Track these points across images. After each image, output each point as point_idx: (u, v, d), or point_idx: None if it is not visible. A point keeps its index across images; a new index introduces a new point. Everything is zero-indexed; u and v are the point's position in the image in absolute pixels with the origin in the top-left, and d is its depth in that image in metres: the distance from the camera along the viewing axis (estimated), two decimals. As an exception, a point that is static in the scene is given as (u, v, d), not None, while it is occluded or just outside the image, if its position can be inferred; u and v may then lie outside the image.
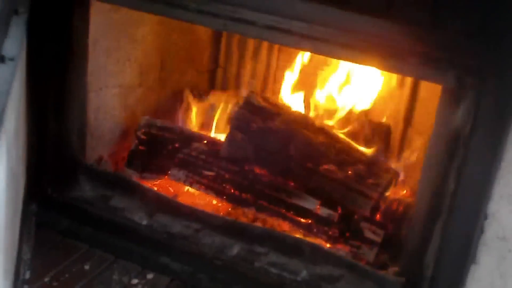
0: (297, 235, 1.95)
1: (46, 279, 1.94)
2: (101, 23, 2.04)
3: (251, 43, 2.45)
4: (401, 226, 1.96)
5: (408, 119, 2.28)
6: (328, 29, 1.60)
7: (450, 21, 1.52)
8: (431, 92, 2.09)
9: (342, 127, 2.21)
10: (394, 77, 2.24)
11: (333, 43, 1.62)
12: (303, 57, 2.28)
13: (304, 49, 1.92)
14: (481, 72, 1.52)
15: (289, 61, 2.34)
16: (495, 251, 1.58)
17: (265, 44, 2.42)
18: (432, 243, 1.70)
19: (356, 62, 1.72)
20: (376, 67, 1.72)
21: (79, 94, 2.06)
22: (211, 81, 2.50)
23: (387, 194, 2.05)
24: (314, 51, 1.75)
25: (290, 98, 2.28)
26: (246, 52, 2.47)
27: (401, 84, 2.26)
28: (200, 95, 2.40)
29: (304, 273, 1.90)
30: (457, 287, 1.65)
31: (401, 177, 2.16)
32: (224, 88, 2.48)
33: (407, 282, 1.79)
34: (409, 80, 2.24)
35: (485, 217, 1.57)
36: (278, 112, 2.13)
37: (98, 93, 2.13)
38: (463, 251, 1.63)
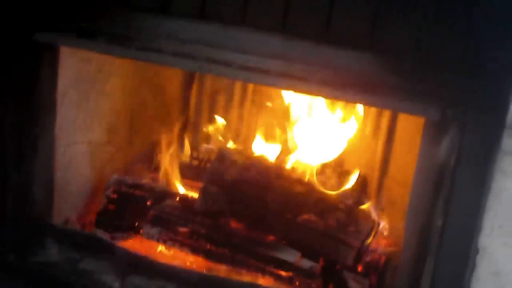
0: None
1: None
2: (71, 74, 1.99)
3: (221, 99, 2.42)
4: (385, 274, 1.88)
5: (384, 170, 2.25)
6: (307, 67, 1.58)
7: (433, 56, 1.52)
8: (406, 144, 2.09)
9: (317, 178, 2.15)
10: (368, 126, 2.23)
11: (311, 81, 1.60)
12: (274, 108, 2.25)
13: (282, 88, 1.90)
14: (464, 104, 1.51)
15: (260, 113, 2.32)
16: (488, 287, 1.52)
17: (236, 98, 2.40)
18: (422, 284, 1.63)
19: (337, 99, 1.69)
20: (358, 103, 1.69)
21: (45, 149, 1.98)
22: (181, 138, 2.43)
23: (369, 242, 1.98)
24: (292, 89, 1.72)
25: (263, 150, 2.23)
26: (217, 108, 2.44)
27: (375, 134, 2.24)
28: (170, 153, 2.33)
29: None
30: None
31: (381, 226, 2.11)
32: (194, 144, 2.42)
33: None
34: (383, 131, 2.22)
35: (477, 252, 1.51)
36: (252, 164, 2.07)
37: (65, 149, 2.05)
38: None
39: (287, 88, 1.77)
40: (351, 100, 1.62)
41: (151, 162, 2.37)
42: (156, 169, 2.32)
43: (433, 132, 1.56)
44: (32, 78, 1.90)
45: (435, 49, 1.50)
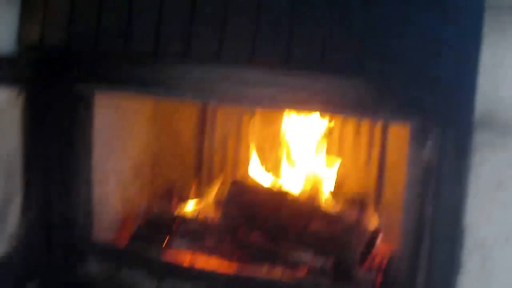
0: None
1: None
2: (103, 120, 2.31)
3: (232, 139, 2.76)
4: (389, 271, 2.18)
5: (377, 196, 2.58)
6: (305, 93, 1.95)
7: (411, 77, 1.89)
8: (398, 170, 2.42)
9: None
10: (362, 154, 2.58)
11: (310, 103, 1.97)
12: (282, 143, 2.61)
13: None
14: (441, 114, 1.87)
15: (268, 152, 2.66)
16: (476, 258, 1.82)
17: (244, 143, 2.75)
18: (420, 269, 1.93)
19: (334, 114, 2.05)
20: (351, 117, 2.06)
21: (85, 179, 2.27)
22: (198, 178, 2.76)
23: (373, 245, 2.29)
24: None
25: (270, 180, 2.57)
26: (228, 148, 2.78)
27: (368, 161, 2.59)
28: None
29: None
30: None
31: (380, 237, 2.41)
32: (210, 181, 2.75)
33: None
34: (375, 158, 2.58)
35: (463, 230, 1.83)
36: (263, 188, 2.42)
37: (100, 182, 2.34)
38: (448, 266, 1.85)
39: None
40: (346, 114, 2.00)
41: (172, 199, 2.68)
42: (177, 204, 2.63)
43: (418, 138, 1.91)
44: (72, 122, 2.22)
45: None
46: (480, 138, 1.80)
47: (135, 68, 2.12)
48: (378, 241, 2.36)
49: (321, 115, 2.38)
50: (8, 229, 2.10)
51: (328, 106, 1.97)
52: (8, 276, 2.10)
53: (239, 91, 2.02)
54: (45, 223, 2.24)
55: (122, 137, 2.47)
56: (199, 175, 2.75)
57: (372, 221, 2.43)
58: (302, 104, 2.01)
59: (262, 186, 2.46)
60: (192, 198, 2.60)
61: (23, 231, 2.15)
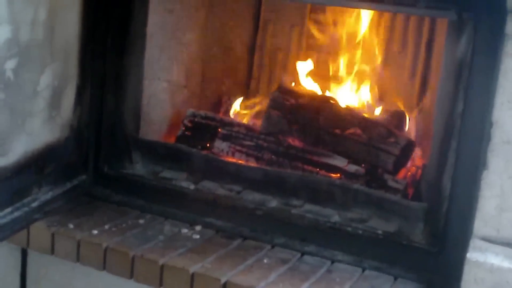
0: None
1: (106, 227, 2.18)
2: (157, 20, 2.42)
3: (280, 55, 2.82)
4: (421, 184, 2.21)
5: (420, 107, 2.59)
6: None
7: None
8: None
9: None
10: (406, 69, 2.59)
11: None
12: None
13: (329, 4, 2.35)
14: (476, 7, 1.87)
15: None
16: (502, 155, 1.81)
17: (293, 55, 2.80)
18: (448, 164, 1.96)
19: (375, 9, 2.08)
20: (392, 11, 2.08)
21: (135, 79, 2.39)
22: (246, 91, 2.85)
23: (409, 155, 2.31)
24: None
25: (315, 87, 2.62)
26: (277, 63, 2.84)
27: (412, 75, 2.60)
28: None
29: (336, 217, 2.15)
30: (473, 196, 1.88)
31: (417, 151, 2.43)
32: (257, 96, 2.82)
33: (428, 207, 2.02)
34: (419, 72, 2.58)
35: (491, 125, 1.83)
36: (307, 93, 2.46)
37: (151, 82, 2.46)
38: (474, 161, 1.86)
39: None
40: (385, 9, 2.01)
41: (219, 109, 2.78)
42: (224, 113, 2.73)
43: (453, 33, 1.92)
44: (128, 18, 2.34)
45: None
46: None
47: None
48: (415, 151, 2.38)
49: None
50: (62, 116, 2.19)
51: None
52: (59, 164, 2.22)
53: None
54: (97, 117, 2.38)
55: (174, 41, 2.57)
56: (247, 89, 2.82)
57: (411, 131, 2.45)
58: None
59: (306, 91, 2.51)
60: (240, 109, 2.68)
61: (75, 122, 2.27)
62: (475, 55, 1.87)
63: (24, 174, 1.99)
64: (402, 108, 2.56)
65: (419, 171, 2.34)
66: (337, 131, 2.34)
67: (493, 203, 1.85)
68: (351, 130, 2.32)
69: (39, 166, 2.07)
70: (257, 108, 2.71)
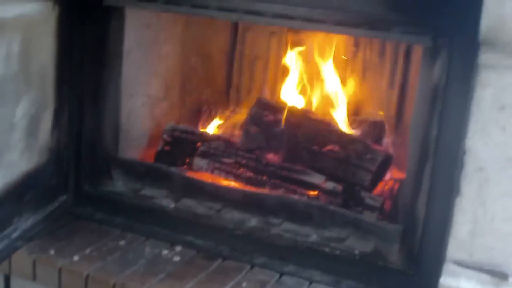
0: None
1: (87, 251, 2.20)
2: (134, 36, 2.40)
3: (259, 63, 2.82)
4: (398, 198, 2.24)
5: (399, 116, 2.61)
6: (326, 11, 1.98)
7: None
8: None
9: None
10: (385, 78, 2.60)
11: (329, 22, 1.99)
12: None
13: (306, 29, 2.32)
14: (450, 36, 1.87)
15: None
16: (474, 182, 1.84)
17: (272, 65, 2.79)
18: (422, 188, 1.98)
19: (350, 34, 2.08)
20: (367, 36, 2.08)
21: (113, 96, 2.38)
22: (226, 100, 2.85)
23: (385, 171, 2.34)
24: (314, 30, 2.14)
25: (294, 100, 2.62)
26: (256, 71, 2.83)
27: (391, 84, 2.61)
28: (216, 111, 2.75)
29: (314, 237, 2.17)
30: (446, 221, 1.91)
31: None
32: (237, 105, 2.83)
33: (404, 229, 2.05)
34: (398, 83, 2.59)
35: (464, 153, 1.85)
36: (285, 108, 2.47)
37: (129, 98, 2.46)
38: (448, 186, 1.89)
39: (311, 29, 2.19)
40: (361, 35, 2.01)
41: (199, 119, 2.78)
42: (204, 123, 2.74)
43: (428, 58, 1.93)
44: (104, 36, 2.32)
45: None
46: (484, 59, 1.79)
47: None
48: (391, 166, 2.41)
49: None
50: (40, 141, 2.20)
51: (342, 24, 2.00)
52: (38, 189, 2.23)
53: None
54: (76, 136, 2.38)
55: (152, 55, 2.56)
56: (227, 97, 2.83)
57: (388, 146, 2.47)
58: (317, 23, 2.03)
59: (284, 105, 2.52)
60: (219, 119, 2.69)
61: (54, 145, 2.27)
62: (450, 81, 1.89)
63: (3, 206, 2.00)
64: (381, 117, 2.58)
65: (396, 185, 2.36)
66: (315, 147, 2.35)
67: (466, 228, 1.88)
68: (329, 147, 2.33)
69: (18, 195, 2.08)
70: (236, 117, 2.72)
